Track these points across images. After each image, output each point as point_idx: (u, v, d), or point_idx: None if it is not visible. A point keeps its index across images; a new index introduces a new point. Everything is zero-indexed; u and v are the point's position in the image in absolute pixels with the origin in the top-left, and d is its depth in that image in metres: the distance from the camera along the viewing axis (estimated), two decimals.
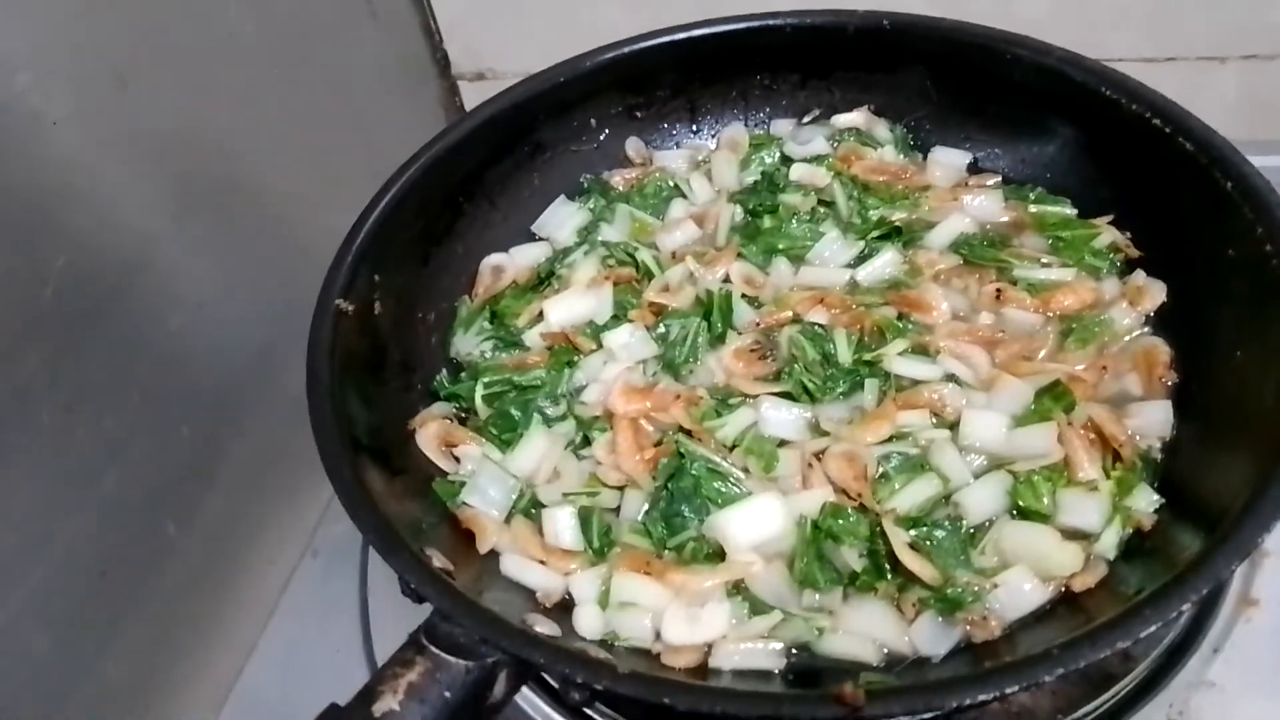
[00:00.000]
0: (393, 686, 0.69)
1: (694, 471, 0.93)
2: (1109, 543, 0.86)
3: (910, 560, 0.85)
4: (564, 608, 0.89)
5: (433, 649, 0.71)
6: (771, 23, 1.26)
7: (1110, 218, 1.11)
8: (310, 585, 1.16)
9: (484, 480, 0.97)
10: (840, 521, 0.88)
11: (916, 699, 0.66)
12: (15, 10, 0.96)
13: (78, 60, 1.03)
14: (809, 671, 0.83)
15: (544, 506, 0.96)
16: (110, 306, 1.09)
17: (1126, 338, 1.03)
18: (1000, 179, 1.22)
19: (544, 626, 0.82)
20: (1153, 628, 0.70)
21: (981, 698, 0.66)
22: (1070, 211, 1.15)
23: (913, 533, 0.87)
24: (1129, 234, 1.10)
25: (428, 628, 0.73)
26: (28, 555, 0.99)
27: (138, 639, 1.12)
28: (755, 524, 0.89)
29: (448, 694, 0.69)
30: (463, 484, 0.97)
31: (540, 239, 1.26)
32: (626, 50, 1.25)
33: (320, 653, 1.06)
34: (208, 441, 1.24)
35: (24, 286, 0.98)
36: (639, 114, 1.32)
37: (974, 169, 1.25)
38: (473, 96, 1.83)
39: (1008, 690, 0.66)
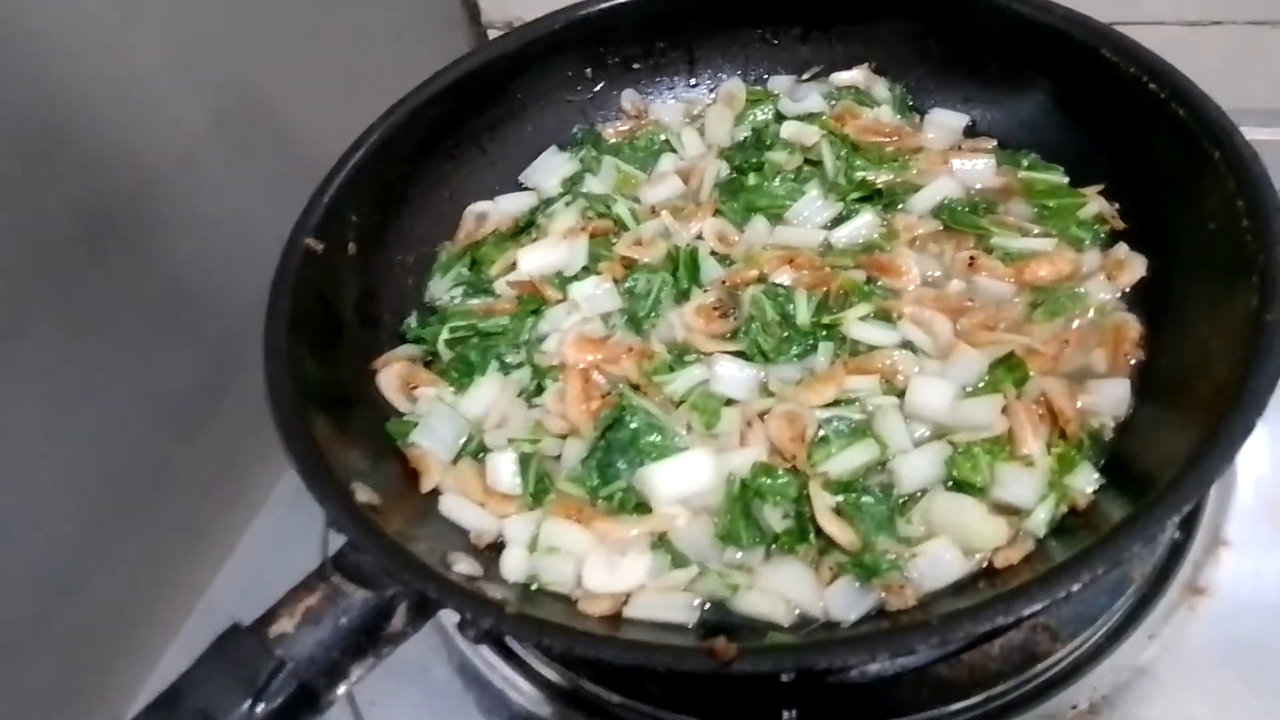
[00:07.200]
0: (290, 610, 0.72)
1: (632, 424, 0.94)
2: (1040, 519, 0.84)
3: (829, 524, 0.84)
4: (497, 549, 0.92)
5: (335, 577, 0.74)
6: None
7: (1100, 187, 1.07)
8: (283, 509, 1.21)
9: (435, 420, 0.99)
10: (769, 481, 0.88)
11: (783, 658, 0.67)
12: None
13: None
14: (722, 627, 0.83)
15: (490, 451, 0.98)
16: (118, 231, 1.12)
17: (1098, 312, 0.99)
18: (996, 143, 1.17)
19: (464, 565, 0.84)
20: (1062, 594, 0.68)
21: (852, 662, 0.66)
22: (1061, 179, 1.10)
23: (840, 498, 0.87)
24: (1118, 205, 1.05)
25: (337, 556, 0.76)
26: (24, 470, 1.05)
27: (130, 557, 1.19)
28: (682, 477, 0.89)
29: (343, 620, 0.72)
30: (415, 424, 1.00)
31: (528, 188, 1.26)
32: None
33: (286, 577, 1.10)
34: (214, 369, 1.29)
35: (25, 207, 1.01)
36: (636, 65, 1.30)
37: (971, 132, 1.20)
38: None
39: (879, 657, 0.66)
